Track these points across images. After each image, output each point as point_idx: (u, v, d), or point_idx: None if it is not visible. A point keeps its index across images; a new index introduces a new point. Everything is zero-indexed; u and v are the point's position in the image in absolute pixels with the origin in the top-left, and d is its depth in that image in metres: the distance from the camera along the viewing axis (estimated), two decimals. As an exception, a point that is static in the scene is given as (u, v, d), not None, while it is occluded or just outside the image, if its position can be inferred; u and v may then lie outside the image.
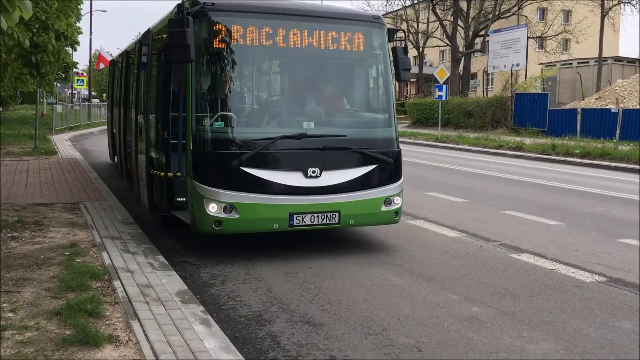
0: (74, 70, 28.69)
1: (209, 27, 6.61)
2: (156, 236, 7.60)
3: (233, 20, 6.70)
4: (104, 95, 78.13)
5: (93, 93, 50.88)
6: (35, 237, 7.00)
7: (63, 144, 21.63)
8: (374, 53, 7.50)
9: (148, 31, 8.07)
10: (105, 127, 33.92)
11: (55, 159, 16.25)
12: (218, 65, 6.83)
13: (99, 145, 22.24)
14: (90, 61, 42.06)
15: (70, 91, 47.28)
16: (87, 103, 38.81)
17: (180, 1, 6.81)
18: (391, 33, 7.62)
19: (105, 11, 69.72)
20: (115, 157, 14.06)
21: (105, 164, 15.91)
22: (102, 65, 38.93)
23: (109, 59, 38.11)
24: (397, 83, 8.74)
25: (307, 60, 7.27)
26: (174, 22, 6.28)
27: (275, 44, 6.86)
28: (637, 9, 41.74)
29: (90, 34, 38.36)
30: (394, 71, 7.55)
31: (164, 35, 7.19)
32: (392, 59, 7.56)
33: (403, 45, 7.76)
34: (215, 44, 6.66)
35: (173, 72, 7.21)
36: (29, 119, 34.80)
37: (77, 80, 35.99)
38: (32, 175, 12.45)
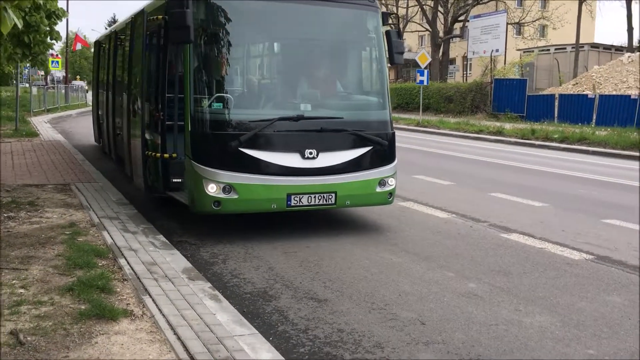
0: (49, 51, 28.24)
1: (206, 8, 6.64)
2: (151, 217, 7.63)
3: (231, 3, 6.74)
4: (78, 77, 76.68)
5: (63, 75, 49.96)
6: (31, 217, 7.01)
7: (43, 126, 21.37)
8: (368, 36, 7.59)
9: (142, 12, 8.03)
10: (85, 109, 33.56)
11: (38, 140, 16.09)
12: (216, 46, 6.87)
13: (80, 128, 22.04)
14: (67, 43, 41.28)
15: (42, 73, 46.39)
16: (64, 85, 38.16)
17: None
18: (385, 17, 7.71)
19: (79, -9, 68.65)
20: (101, 139, 13.96)
21: (89, 146, 15.79)
22: (79, 46, 38.34)
23: (85, 40, 37.45)
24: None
25: (304, 43, 7.35)
26: (174, 3, 6.29)
27: (273, 26, 6.93)
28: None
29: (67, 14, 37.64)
30: (387, 55, 7.66)
31: (159, 17, 7.18)
32: (385, 42, 7.66)
33: (396, 29, 7.87)
34: (213, 26, 6.72)
35: (168, 53, 7.23)
36: (4, 101, 34.14)
37: (52, 61, 35.32)
38: (18, 157, 12.34)
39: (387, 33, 7.65)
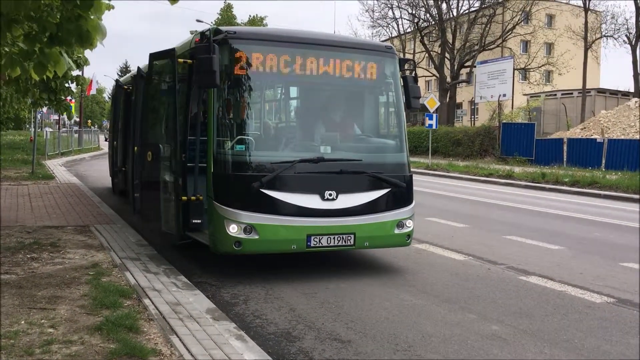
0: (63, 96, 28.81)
1: (230, 54, 6.85)
2: (170, 258, 7.69)
3: (253, 49, 6.95)
4: (89, 121, 77.70)
5: (76, 119, 50.75)
6: (54, 258, 7.09)
7: (58, 169, 21.64)
8: (386, 81, 7.79)
9: (174, 54, 7.97)
10: (97, 152, 33.76)
11: (54, 183, 16.28)
12: (239, 90, 7.05)
13: (94, 171, 22.31)
14: (81, 88, 42.10)
15: (59, 117, 47.19)
16: (79, 129, 38.77)
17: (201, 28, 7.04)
18: (402, 62, 7.91)
19: (94, 38, 70.43)
20: (121, 183, 13.53)
21: (104, 189, 15.96)
22: (93, 91, 39.06)
23: (96, 85, 38.09)
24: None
25: (324, 87, 7.54)
26: (201, 49, 6.51)
27: (294, 71, 7.11)
28: (624, 42, 42.73)
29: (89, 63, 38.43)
30: (404, 99, 7.84)
31: (187, 60, 7.29)
32: (402, 87, 7.83)
33: (413, 75, 8.05)
34: (237, 71, 6.89)
35: (191, 96, 7.38)
36: (19, 144, 34.71)
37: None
38: (35, 199, 12.49)
39: (404, 78, 7.84)
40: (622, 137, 28.19)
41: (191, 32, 10.84)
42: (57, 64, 4.25)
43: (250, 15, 68.31)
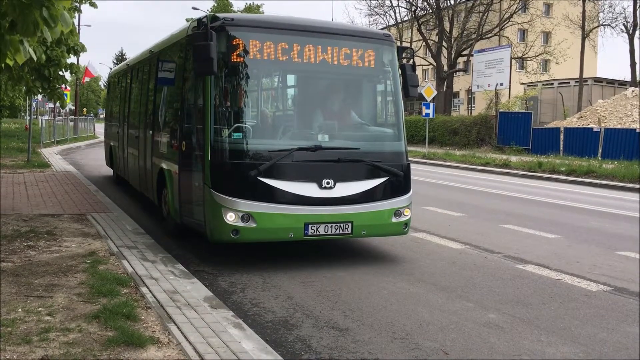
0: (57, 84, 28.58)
1: (228, 41, 6.80)
2: (167, 246, 7.68)
3: (251, 36, 6.90)
4: (85, 109, 77.34)
5: (72, 107, 50.48)
6: (50, 246, 7.06)
7: (54, 157, 21.56)
8: (384, 69, 7.75)
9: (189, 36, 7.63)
10: (93, 141, 33.61)
11: (50, 171, 16.22)
12: (236, 78, 7.00)
13: (90, 160, 22.24)
14: (77, 76, 41.84)
15: (54, 105, 46.95)
16: (74, 117, 38.59)
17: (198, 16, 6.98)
18: (400, 51, 7.88)
19: (89, 26, 70.42)
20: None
21: (100, 177, 15.93)
22: (87, 79, 38.91)
23: (94, 73, 37.91)
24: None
25: (321, 75, 7.50)
26: (198, 36, 6.45)
27: (291, 58, 7.06)
28: (622, 31, 42.67)
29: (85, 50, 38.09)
30: (402, 87, 7.80)
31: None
32: (400, 75, 7.81)
33: (411, 63, 8.02)
34: (234, 58, 6.84)
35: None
36: (14, 133, 34.59)
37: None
38: (31, 187, 12.44)
39: (402, 67, 7.80)
40: (619, 126, 28.24)
41: (187, 20, 10.71)
42: (17, 52, 4.18)
43: (246, 3, 67.91)
